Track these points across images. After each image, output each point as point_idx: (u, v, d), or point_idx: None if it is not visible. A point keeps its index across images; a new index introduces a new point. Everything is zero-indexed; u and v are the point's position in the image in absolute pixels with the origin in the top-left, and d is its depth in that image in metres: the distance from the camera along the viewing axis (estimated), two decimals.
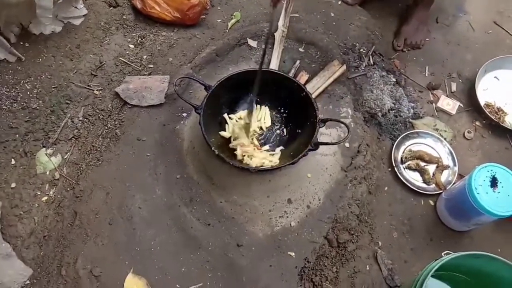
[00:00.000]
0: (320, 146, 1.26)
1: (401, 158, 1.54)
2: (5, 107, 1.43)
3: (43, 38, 1.57)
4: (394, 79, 1.67)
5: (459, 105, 1.67)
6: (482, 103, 1.65)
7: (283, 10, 1.69)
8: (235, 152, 1.34)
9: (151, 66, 1.60)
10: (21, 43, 1.55)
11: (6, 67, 1.50)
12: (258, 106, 1.45)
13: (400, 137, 1.55)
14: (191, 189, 1.33)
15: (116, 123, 1.46)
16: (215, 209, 1.31)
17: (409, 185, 1.48)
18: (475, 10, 1.94)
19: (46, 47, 1.56)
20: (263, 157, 1.31)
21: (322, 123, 1.27)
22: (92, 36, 1.63)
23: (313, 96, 1.51)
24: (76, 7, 1.65)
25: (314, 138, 1.23)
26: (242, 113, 1.42)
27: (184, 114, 1.48)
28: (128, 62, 1.60)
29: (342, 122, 1.27)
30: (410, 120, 1.62)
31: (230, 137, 1.38)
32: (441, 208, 1.43)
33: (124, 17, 1.70)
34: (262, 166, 1.27)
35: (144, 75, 1.57)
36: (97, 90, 1.52)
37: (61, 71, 1.53)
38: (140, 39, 1.66)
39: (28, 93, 1.47)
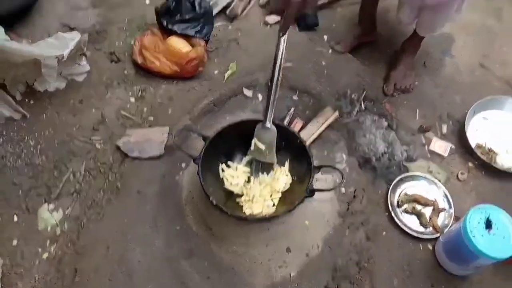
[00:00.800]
0: (317, 192, 1.30)
1: (397, 202, 1.57)
2: (9, 164, 1.49)
3: (48, 94, 1.66)
4: (386, 123, 1.73)
5: (451, 147, 1.71)
6: (473, 144, 1.69)
7: None
8: (236, 200, 1.38)
9: (151, 118, 1.67)
10: (26, 100, 1.64)
11: (11, 124, 1.57)
12: (277, 165, 1.45)
13: (395, 181, 1.59)
14: (191, 241, 1.35)
15: (117, 176, 1.51)
16: (214, 261, 1.33)
17: (406, 229, 1.49)
18: (461, 53, 2.02)
19: (50, 103, 1.64)
20: (262, 205, 1.34)
21: (316, 169, 1.31)
22: (94, 91, 1.72)
23: (308, 142, 1.57)
24: (79, 64, 1.75)
25: (309, 185, 1.27)
26: (240, 166, 1.46)
27: (183, 165, 1.53)
28: (129, 116, 1.67)
29: (336, 169, 1.31)
30: (404, 163, 1.65)
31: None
32: (440, 252, 1.44)
33: (125, 72, 1.80)
34: (260, 214, 1.30)
35: (144, 127, 1.64)
36: (98, 144, 1.58)
37: (64, 126, 1.60)
38: (140, 92, 1.74)
39: (32, 149, 1.53)
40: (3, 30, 1.54)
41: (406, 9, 1.64)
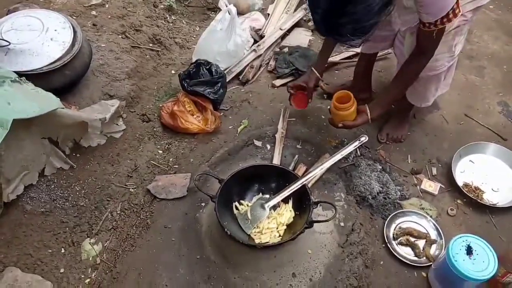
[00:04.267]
0: (318, 225, 1.51)
1: (393, 235, 1.74)
2: (59, 206, 1.76)
3: (91, 149, 1.96)
4: (380, 167, 1.94)
5: (441, 186, 1.90)
6: (460, 183, 1.88)
7: (281, 116, 2.09)
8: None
9: (176, 166, 1.95)
10: (74, 154, 1.94)
11: (61, 173, 1.86)
12: (282, 202, 1.68)
13: (390, 216, 1.77)
14: (209, 267, 1.56)
15: (147, 214, 1.76)
16: (229, 284, 1.52)
17: (402, 259, 1.65)
18: (447, 105, 2.24)
19: (93, 156, 1.94)
20: (269, 236, 1.55)
21: (315, 204, 1.54)
22: (129, 146, 2.02)
23: (310, 183, 1.81)
24: (117, 124, 2.07)
25: (308, 217, 1.49)
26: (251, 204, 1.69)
27: (203, 204, 1.78)
28: (158, 164, 1.95)
29: (330, 203, 1.53)
30: (398, 201, 1.84)
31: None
32: (432, 278, 1.58)
33: (154, 129, 2.11)
34: (267, 243, 1.51)
35: (170, 174, 1.91)
36: (132, 188, 1.85)
37: (104, 174, 1.89)
38: (167, 145, 2.04)
39: (77, 193, 1.81)
40: (58, 99, 1.89)
41: (398, 68, 1.89)
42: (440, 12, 1.34)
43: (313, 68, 1.91)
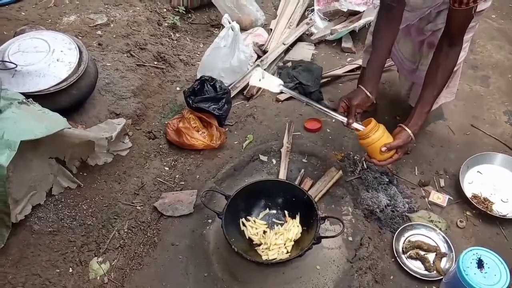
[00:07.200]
0: (326, 240, 1.50)
1: (402, 248, 1.72)
2: (66, 225, 1.76)
3: (98, 168, 1.98)
4: (387, 179, 1.92)
5: (449, 198, 1.88)
6: (469, 195, 1.86)
7: (286, 130, 2.10)
8: (255, 248, 1.58)
9: (182, 183, 1.96)
10: (81, 173, 1.95)
11: (68, 192, 1.88)
12: (289, 218, 1.69)
13: (398, 230, 1.75)
14: (217, 285, 1.55)
15: (154, 232, 1.76)
16: None
17: (412, 273, 1.63)
18: (453, 116, 2.24)
19: (100, 174, 1.96)
20: (277, 252, 1.54)
21: (322, 220, 1.53)
22: (135, 163, 2.03)
23: (317, 198, 1.80)
24: (123, 142, 2.09)
25: (316, 233, 1.48)
26: (258, 220, 1.69)
27: (210, 221, 1.78)
28: (164, 181, 1.96)
29: (337, 218, 1.52)
30: (406, 214, 1.83)
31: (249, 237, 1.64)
32: None
33: (161, 146, 2.12)
34: (275, 259, 1.49)
35: (176, 190, 1.91)
36: (139, 206, 1.86)
37: (110, 193, 1.90)
38: (173, 162, 2.05)
39: (85, 212, 1.81)
40: (65, 119, 1.89)
41: (401, 80, 1.90)
42: None
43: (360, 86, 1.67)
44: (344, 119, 1.59)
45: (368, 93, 1.63)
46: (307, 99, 1.62)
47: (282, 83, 1.59)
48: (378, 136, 1.53)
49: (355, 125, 1.58)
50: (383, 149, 1.52)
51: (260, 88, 2.43)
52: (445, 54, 1.51)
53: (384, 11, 1.63)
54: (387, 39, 1.65)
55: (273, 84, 1.59)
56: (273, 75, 2.48)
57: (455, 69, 1.73)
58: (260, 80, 1.58)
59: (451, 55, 1.51)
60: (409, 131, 1.55)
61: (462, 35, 1.48)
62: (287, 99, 2.35)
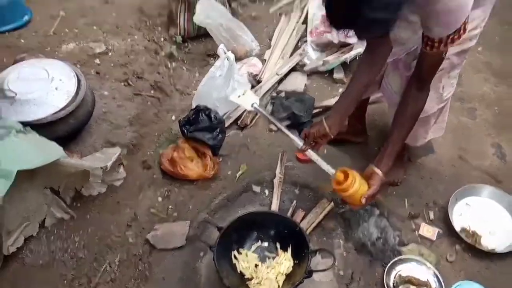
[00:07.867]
0: (317, 274, 1.51)
1: (393, 283, 1.73)
2: (58, 258, 1.75)
3: (91, 198, 1.98)
4: (378, 211, 1.95)
5: (439, 231, 1.91)
6: (458, 228, 1.88)
7: (279, 161, 2.13)
8: (246, 283, 1.59)
9: (175, 214, 1.96)
10: (74, 203, 1.96)
11: (61, 224, 1.87)
12: (281, 250, 1.70)
13: (389, 264, 1.76)
14: None
15: (145, 265, 1.75)
16: None
17: None
18: (441, 148, 2.27)
19: (93, 205, 1.96)
20: (268, 287, 1.55)
21: (313, 253, 1.55)
22: (129, 194, 2.03)
23: (309, 230, 1.82)
24: (117, 172, 2.10)
25: (307, 266, 1.50)
26: (250, 253, 1.70)
27: (202, 253, 1.78)
28: (157, 213, 1.97)
29: (328, 251, 1.54)
30: (397, 247, 1.84)
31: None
32: None
33: (155, 176, 2.13)
34: None
35: (169, 222, 1.92)
36: (131, 238, 1.85)
37: (103, 224, 1.89)
38: (167, 192, 2.06)
39: (77, 244, 1.81)
40: (62, 148, 1.92)
41: (391, 112, 1.93)
42: (455, 24, 1.24)
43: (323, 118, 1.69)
44: (300, 144, 1.69)
45: (326, 126, 1.64)
46: (273, 118, 1.80)
47: (258, 102, 1.78)
48: (356, 188, 1.53)
49: (310, 152, 1.70)
50: (363, 200, 1.53)
51: (254, 118, 2.48)
52: (414, 97, 1.51)
53: (368, 51, 1.65)
54: (364, 78, 1.66)
55: (248, 102, 1.76)
56: (267, 104, 2.55)
57: (442, 105, 1.78)
58: (239, 96, 1.79)
59: (420, 98, 1.52)
60: (380, 174, 1.56)
61: (431, 78, 1.48)
62: (279, 129, 2.38)
